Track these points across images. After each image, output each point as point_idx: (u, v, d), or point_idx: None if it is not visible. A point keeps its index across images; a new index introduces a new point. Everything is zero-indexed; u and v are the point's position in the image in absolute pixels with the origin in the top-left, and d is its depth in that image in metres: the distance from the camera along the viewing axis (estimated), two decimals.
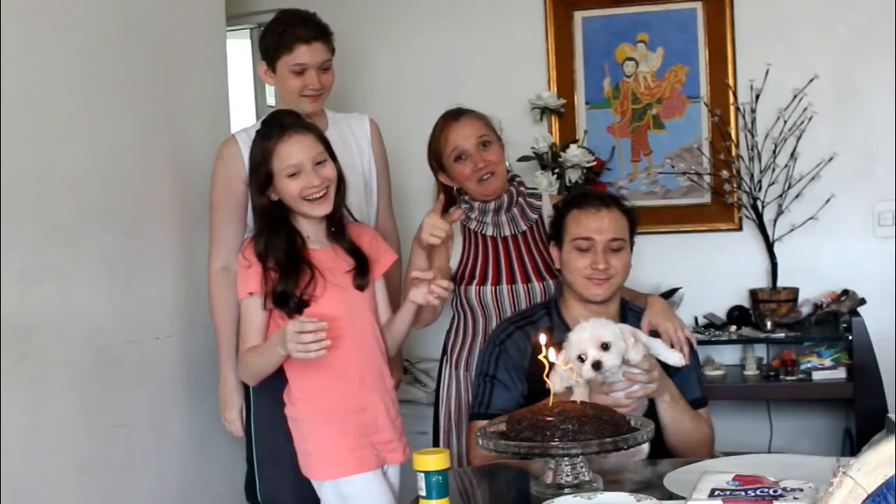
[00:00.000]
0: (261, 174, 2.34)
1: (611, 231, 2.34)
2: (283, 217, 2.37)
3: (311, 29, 2.67)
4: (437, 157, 2.71)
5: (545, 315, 2.41)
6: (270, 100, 4.29)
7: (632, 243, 2.42)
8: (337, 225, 2.41)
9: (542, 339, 1.95)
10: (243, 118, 4.15)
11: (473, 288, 2.67)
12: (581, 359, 2.07)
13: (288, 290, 2.30)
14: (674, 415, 2.24)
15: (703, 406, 2.35)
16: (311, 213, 2.35)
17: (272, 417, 2.48)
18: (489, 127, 2.71)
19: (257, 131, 2.41)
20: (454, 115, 2.71)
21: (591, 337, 2.07)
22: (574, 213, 2.39)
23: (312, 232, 2.39)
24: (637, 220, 2.43)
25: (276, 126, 2.36)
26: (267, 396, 2.49)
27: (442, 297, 2.36)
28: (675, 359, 2.24)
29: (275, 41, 2.66)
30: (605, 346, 2.06)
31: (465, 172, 2.66)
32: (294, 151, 2.32)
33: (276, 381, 2.40)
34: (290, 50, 2.63)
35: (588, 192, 2.70)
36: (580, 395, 2.01)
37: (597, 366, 2.05)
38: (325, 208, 2.35)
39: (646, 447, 2.07)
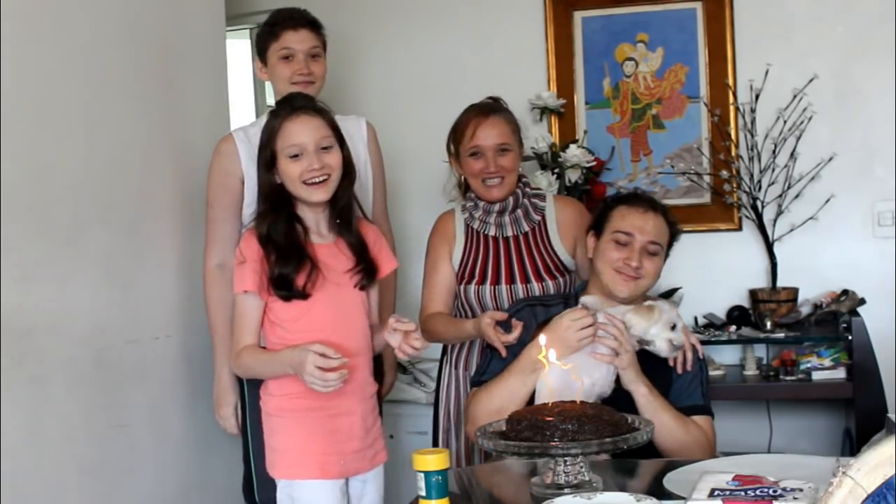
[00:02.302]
0: (266, 153, 2.31)
1: (652, 233, 2.35)
2: (287, 201, 2.32)
3: (298, 18, 2.72)
4: (456, 143, 2.74)
5: (561, 304, 2.40)
6: (270, 100, 4.28)
7: (666, 255, 2.42)
8: (341, 215, 2.36)
9: (542, 339, 1.96)
10: (243, 118, 4.15)
11: (473, 287, 2.68)
12: (673, 327, 2.26)
13: (288, 275, 2.25)
14: (651, 410, 2.18)
15: (703, 414, 2.29)
16: (308, 199, 2.30)
17: None
18: (514, 133, 2.73)
19: (270, 110, 2.39)
20: (485, 111, 2.72)
21: (675, 315, 2.30)
22: (621, 209, 2.41)
23: (314, 223, 2.34)
24: (677, 235, 2.44)
25: (287, 104, 2.34)
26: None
27: (410, 354, 2.28)
28: (662, 348, 2.26)
29: (265, 32, 2.72)
30: (673, 327, 2.26)
31: (475, 169, 2.69)
32: (299, 131, 2.27)
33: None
34: (277, 37, 2.67)
35: (640, 194, 2.74)
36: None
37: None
38: (323, 194, 2.29)
39: None
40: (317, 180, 2.28)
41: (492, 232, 2.72)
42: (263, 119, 2.42)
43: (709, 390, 2.40)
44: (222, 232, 2.64)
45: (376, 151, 2.88)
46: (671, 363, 2.30)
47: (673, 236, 2.41)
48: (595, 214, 2.51)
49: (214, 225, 2.66)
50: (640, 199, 2.44)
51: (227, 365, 2.57)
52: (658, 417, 2.16)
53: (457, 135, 2.73)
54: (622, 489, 1.79)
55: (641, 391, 2.20)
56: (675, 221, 2.46)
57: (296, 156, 2.27)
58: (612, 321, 2.20)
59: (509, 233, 2.72)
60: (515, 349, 2.33)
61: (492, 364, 2.38)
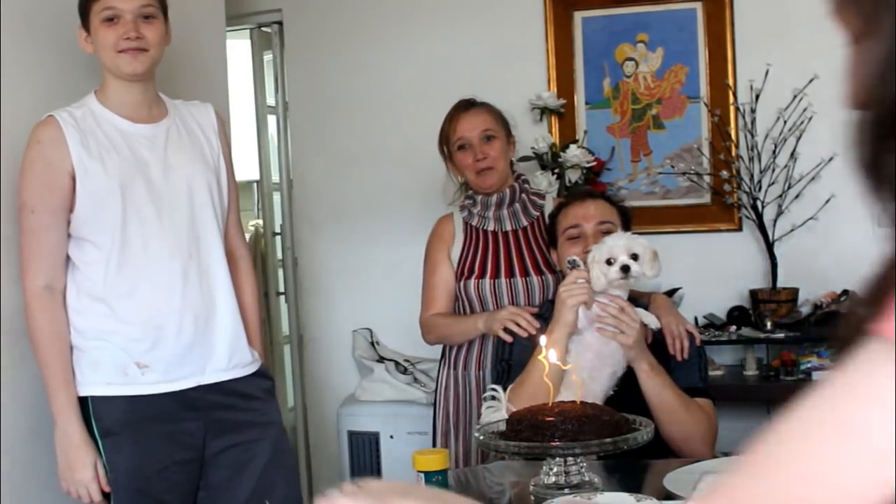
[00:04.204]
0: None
1: (597, 215, 2.39)
2: None
3: None
4: (445, 143, 2.78)
5: (550, 305, 2.41)
6: (270, 99, 4.29)
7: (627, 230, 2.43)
8: None
9: (543, 339, 1.96)
10: (243, 118, 4.15)
11: (472, 282, 2.70)
12: (609, 262, 2.20)
13: None
14: (653, 386, 2.17)
15: (702, 396, 2.28)
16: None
17: (136, 470, 2.13)
18: (498, 122, 2.77)
19: None
20: (465, 106, 2.78)
21: (626, 245, 2.21)
22: (563, 211, 2.48)
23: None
24: (629, 213, 2.48)
25: None
26: (127, 442, 2.13)
27: None
28: (651, 320, 2.27)
29: None
30: (634, 257, 2.21)
31: (466, 162, 2.73)
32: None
33: (139, 424, 2.14)
34: None
35: (575, 190, 2.74)
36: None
37: (625, 269, 2.19)
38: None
39: None
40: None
41: (491, 227, 2.75)
42: (89, 99, 2.21)
43: (708, 376, 2.40)
44: (48, 244, 2.11)
45: (227, 144, 2.42)
46: (671, 350, 2.30)
47: (623, 213, 2.45)
48: (547, 229, 2.59)
49: (37, 235, 2.11)
50: (574, 194, 2.53)
51: (75, 414, 2.10)
52: (659, 394, 2.17)
53: (444, 133, 2.78)
54: (622, 489, 1.79)
55: (643, 367, 2.18)
56: (620, 200, 2.55)
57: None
58: (614, 300, 2.20)
59: (508, 227, 2.75)
60: (531, 347, 2.31)
61: (512, 375, 2.31)
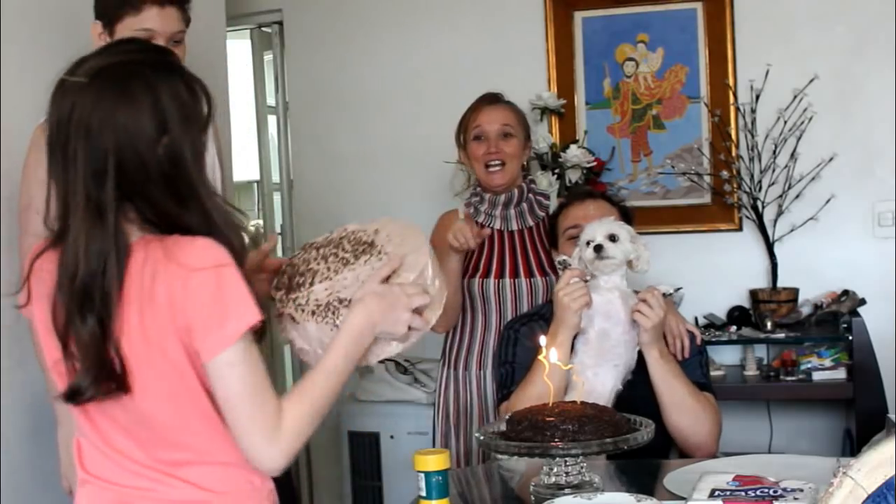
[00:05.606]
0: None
1: (597, 215, 2.37)
2: None
3: None
4: (463, 132, 2.79)
5: (553, 311, 2.41)
6: (270, 99, 4.29)
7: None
8: None
9: (542, 340, 1.96)
10: (243, 118, 4.15)
11: (477, 281, 2.70)
12: (588, 244, 2.17)
13: None
14: (663, 373, 2.16)
15: (705, 391, 2.27)
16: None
17: None
18: (519, 123, 2.79)
19: None
20: (490, 99, 2.80)
21: (604, 228, 2.18)
22: (563, 211, 2.49)
23: None
24: (629, 213, 2.47)
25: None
26: None
27: None
28: (666, 288, 2.25)
29: None
30: (612, 238, 2.16)
31: (478, 153, 2.74)
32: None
33: None
34: (138, 11, 2.08)
35: (575, 190, 2.74)
36: (567, 278, 2.16)
37: (598, 249, 2.14)
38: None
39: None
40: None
41: (497, 225, 2.75)
42: None
43: (709, 374, 2.40)
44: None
45: (219, 147, 2.34)
46: (671, 350, 2.29)
47: (624, 213, 2.43)
48: (548, 233, 2.61)
49: (39, 237, 1.97)
50: (575, 194, 2.53)
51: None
52: (668, 382, 2.16)
53: (464, 121, 2.79)
54: (622, 489, 1.79)
55: (653, 354, 2.17)
56: (620, 200, 2.55)
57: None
58: (648, 293, 2.16)
59: (514, 227, 2.75)
60: (534, 349, 2.30)
61: (516, 376, 2.32)
